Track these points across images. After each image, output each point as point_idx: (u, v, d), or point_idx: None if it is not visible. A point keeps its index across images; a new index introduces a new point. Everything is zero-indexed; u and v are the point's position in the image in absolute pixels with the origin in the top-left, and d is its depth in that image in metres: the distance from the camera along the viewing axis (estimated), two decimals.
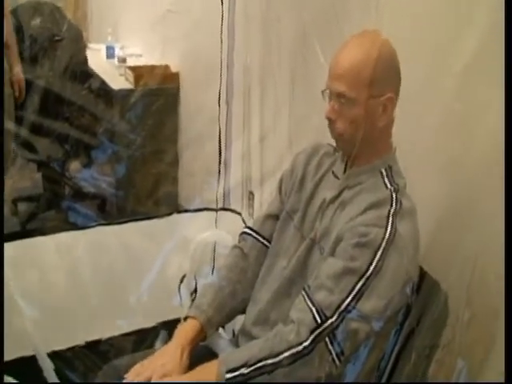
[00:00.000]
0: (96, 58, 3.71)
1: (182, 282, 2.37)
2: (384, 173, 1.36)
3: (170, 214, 2.58)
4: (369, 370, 1.29)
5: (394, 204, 1.29)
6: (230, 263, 1.61)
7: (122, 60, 3.70)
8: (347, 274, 1.24)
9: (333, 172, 1.45)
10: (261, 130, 2.47)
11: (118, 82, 3.52)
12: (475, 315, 1.18)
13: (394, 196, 1.30)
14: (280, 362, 1.23)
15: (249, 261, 1.59)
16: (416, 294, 1.29)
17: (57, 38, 3.10)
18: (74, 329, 2.26)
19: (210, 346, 1.55)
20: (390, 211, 1.27)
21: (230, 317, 1.59)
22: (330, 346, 1.22)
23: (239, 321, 1.72)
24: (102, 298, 2.32)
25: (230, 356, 1.33)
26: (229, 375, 1.27)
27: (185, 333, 1.48)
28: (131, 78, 3.47)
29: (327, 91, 1.35)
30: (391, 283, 1.23)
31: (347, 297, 1.22)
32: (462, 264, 1.24)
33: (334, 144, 1.45)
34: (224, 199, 2.67)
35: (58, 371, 2.03)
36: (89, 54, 3.46)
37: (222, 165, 2.55)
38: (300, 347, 1.22)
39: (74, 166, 3.49)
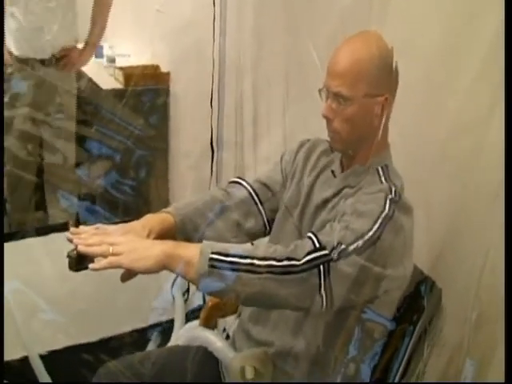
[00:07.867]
0: None
1: (174, 282, 2.36)
2: (381, 171, 1.37)
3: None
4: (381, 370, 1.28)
5: (392, 193, 1.27)
6: (211, 194, 1.56)
7: (111, 60, 3.66)
8: (347, 230, 1.21)
9: (332, 171, 1.44)
10: (254, 132, 2.46)
11: (108, 81, 3.49)
12: (483, 316, 1.17)
13: (392, 188, 1.29)
14: (268, 266, 1.18)
15: (231, 199, 1.54)
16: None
17: None
18: (64, 330, 2.24)
19: (206, 346, 1.54)
20: (387, 197, 1.26)
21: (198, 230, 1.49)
22: (322, 279, 1.17)
23: (230, 321, 1.72)
24: (93, 299, 2.30)
25: (217, 244, 1.25)
26: (213, 256, 1.19)
27: (156, 217, 1.43)
28: (121, 78, 3.45)
29: (324, 90, 1.35)
30: (388, 252, 1.21)
31: (346, 242, 1.19)
32: (471, 267, 1.24)
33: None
34: None
35: (50, 372, 2.01)
36: None
37: (214, 165, 2.54)
38: (292, 262, 1.18)
39: None
